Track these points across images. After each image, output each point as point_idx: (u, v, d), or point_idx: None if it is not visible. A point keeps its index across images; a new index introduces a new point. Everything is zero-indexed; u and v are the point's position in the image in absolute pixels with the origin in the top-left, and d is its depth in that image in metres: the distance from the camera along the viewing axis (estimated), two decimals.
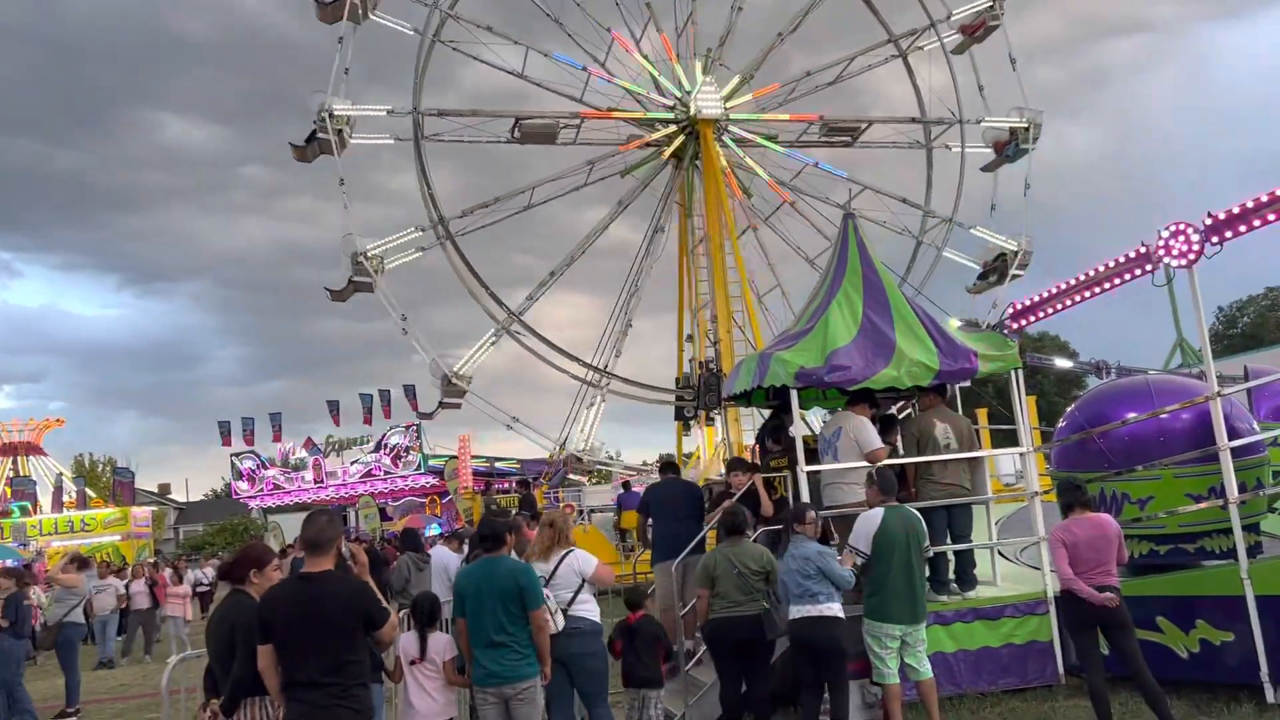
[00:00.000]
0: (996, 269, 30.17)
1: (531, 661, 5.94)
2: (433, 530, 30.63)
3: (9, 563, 17.38)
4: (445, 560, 11.11)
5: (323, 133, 25.73)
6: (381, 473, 45.40)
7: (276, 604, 4.90)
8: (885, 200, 30.31)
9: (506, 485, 35.95)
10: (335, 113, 25.88)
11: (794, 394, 8.68)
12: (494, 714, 5.95)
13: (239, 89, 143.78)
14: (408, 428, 44.85)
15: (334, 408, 48.59)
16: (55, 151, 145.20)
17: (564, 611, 6.46)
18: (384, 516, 40.50)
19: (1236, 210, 7.16)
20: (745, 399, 10.35)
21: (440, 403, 27.43)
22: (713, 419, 28.10)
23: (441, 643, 6.39)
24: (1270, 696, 7.11)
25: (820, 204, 29.81)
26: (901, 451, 8.92)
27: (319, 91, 26.16)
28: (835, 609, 7.04)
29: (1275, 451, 9.89)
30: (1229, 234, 7.27)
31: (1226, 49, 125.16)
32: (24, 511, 33.67)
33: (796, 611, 7.03)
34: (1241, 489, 7.66)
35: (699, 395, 26.44)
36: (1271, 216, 6.95)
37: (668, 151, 29.08)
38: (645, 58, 28.96)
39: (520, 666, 5.89)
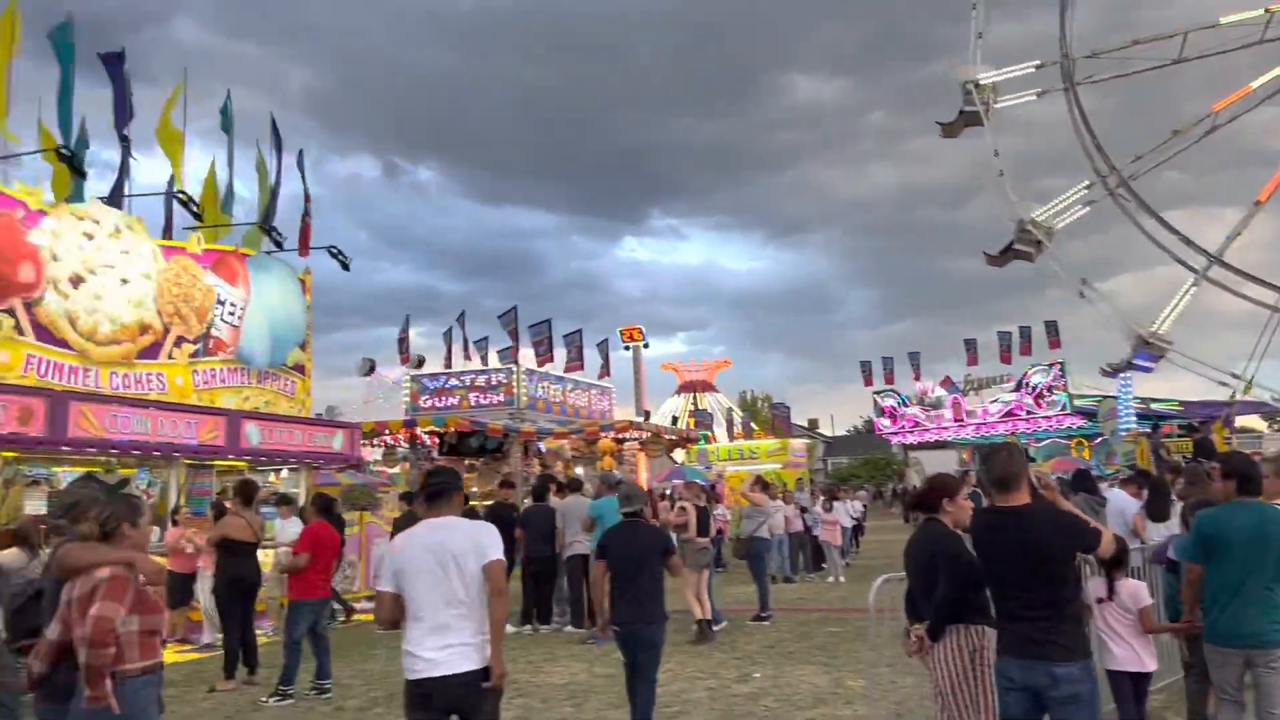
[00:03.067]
0: None
1: None
2: None
3: (698, 482, 20.15)
4: (1122, 504, 10.29)
5: (969, 105, 25.22)
6: (1023, 412, 43.97)
7: (984, 534, 4.84)
8: None
9: (1168, 430, 32.43)
10: (981, 83, 25.19)
11: None
12: (1234, 674, 5.23)
13: (860, 38, 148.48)
14: (1050, 366, 42.70)
15: (970, 346, 48.17)
16: (706, 124, 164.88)
17: None
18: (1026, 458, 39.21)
19: None
20: None
21: (1129, 363, 25.32)
22: None
23: (1131, 588, 5.97)
24: None
25: None
26: None
27: (961, 64, 25.72)
28: None
29: None
30: None
31: None
32: (705, 440, 39.03)
33: None
34: None
35: None
36: None
37: None
38: None
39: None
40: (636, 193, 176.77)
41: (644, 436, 28.98)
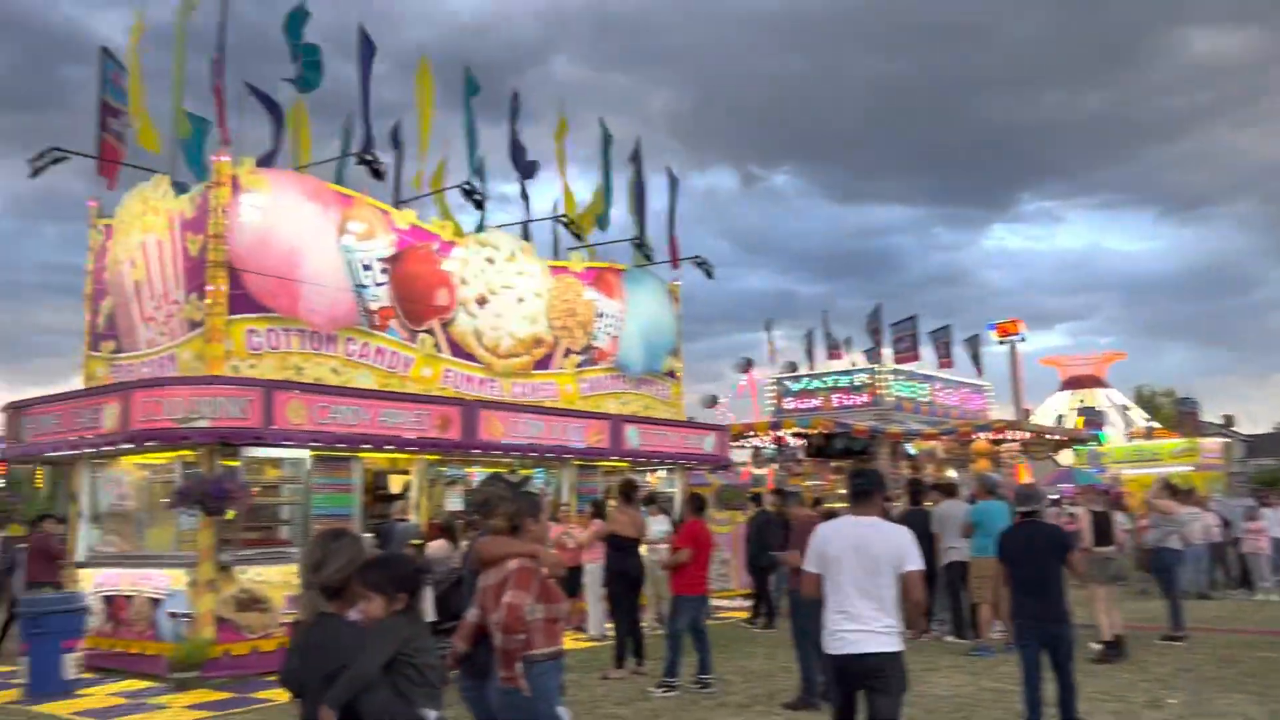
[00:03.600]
0: None
1: None
2: None
3: (1094, 485, 18.42)
4: None
5: None
6: None
7: None
8: None
9: None
10: None
11: None
12: None
13: None
14: None
15: None
16: (1083, 95, 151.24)
17: None
18: None
19: None
20: None
21: None
22: None
23: None
24: None
25: None
26: None
27: None
28: None
29: None
30: None
31: None
32: (1098, 440, 35.64)
33: None
34: None
35: None
36: None
37: None
38: None
39: None
40: (1004, 177, 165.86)
41: (1025, 437, 27.11)
